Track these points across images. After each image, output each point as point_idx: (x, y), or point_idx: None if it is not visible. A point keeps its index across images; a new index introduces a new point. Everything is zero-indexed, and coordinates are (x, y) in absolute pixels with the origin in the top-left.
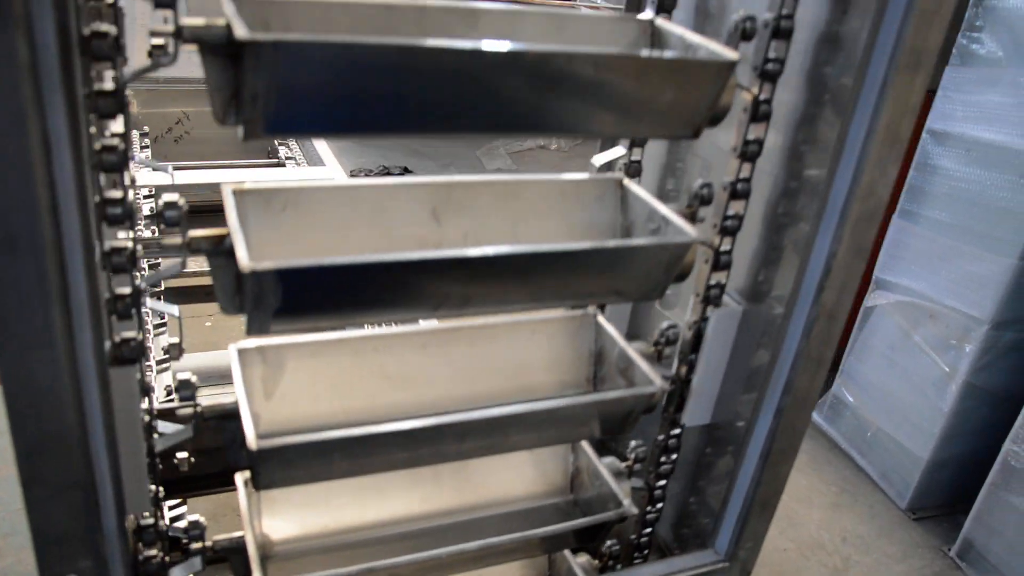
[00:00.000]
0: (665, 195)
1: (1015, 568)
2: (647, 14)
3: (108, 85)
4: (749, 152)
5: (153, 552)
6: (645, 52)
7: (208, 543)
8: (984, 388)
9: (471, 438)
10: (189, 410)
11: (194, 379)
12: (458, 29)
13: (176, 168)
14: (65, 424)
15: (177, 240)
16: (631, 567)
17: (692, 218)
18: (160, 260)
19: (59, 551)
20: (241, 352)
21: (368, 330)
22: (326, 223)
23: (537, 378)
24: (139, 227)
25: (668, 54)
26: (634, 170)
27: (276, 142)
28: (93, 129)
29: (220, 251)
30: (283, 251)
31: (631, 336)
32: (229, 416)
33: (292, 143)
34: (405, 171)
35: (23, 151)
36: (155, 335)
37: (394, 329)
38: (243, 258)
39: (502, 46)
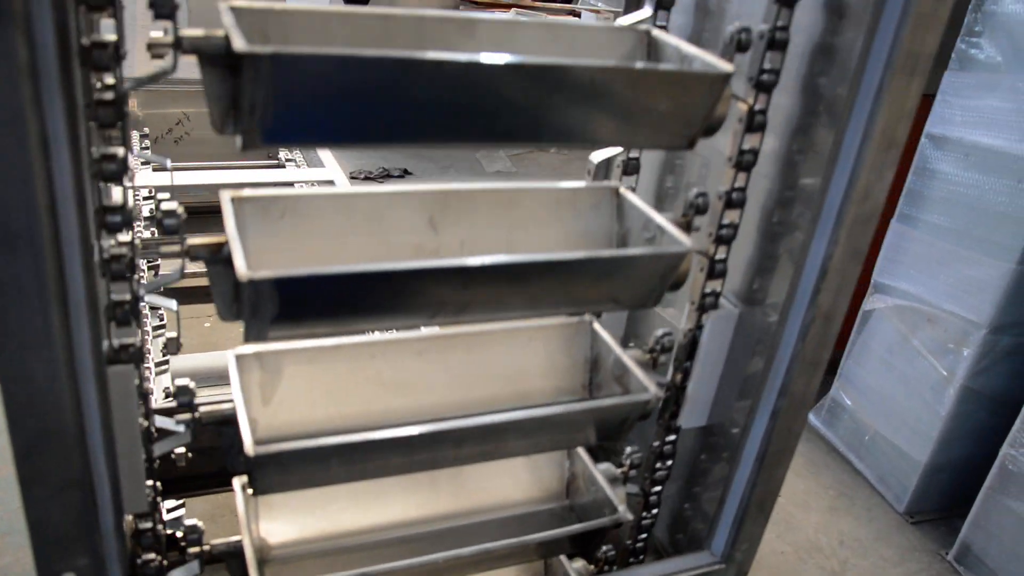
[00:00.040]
0: (664, 192)
1: (1012, 572)
2: (646, 11)
3: (108, 95)
4: (744, 162)
5: (151, 556)
6: (640, 64)
7: (206, 547)
8: (982, 392)
9: (467, 444)
10: (187, 415)
11: (192, 385)
12: (455, 39)
13: (176, 169)
14: (63, 423)
15: (176, 247)
16: (627, 568)
17: (687, 227)
18: (159, 261)
19: (57, 549)
20: (239, 358)
21: (365, 336)
22: (324, 230)
23: (533, 384)
24: (138, 229)
25: (663, 66)
26: (632, 167)
27: None
28: (94, 141)
29: (218, 259)
30: (281, 258)
31: (628, 337)
32: (227, 422)
33: None
34: (405, 173)
35: (22, 150)
36: (153, 336)
37: (391, 335)
38: (241, 267)
39: (499, 59)
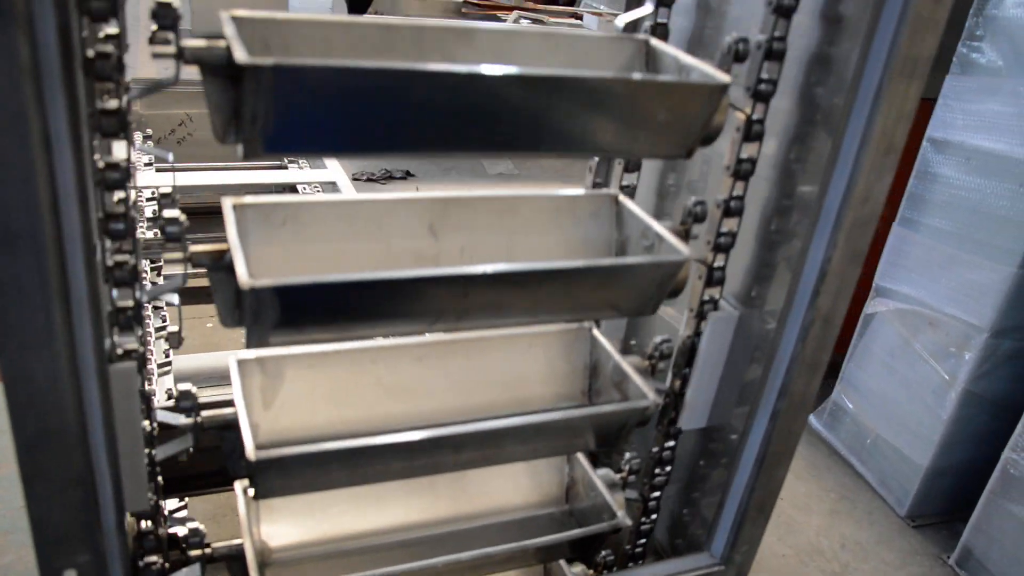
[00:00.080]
0: (666, 190)
1: None
2: (647, 8)
3: (111, 104)
4: (742, 171)
5: (154, 559)
6: (639, 75)
7: (208, 550)
8: (983, 396)
9: (467, 450)
10: (189, 420)
11: (194, 390)
12: (455, 48)
13: (179, 170)
14: (65, 421)
15: (178, 254)
16: (627, 570)
17: (686, 235)
18: (161, 262)
19: (59, 546)
20: (241, 362)
21: (366, 342)
22: (325, 237)
23: (533, 390)
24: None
25: (662, 77)
26: (633, 164)
27: None
28: (97, 150)
29: (220, 266)
30: (283, 264)
31: (629, 338)
32: (229, 426)
33: None
34: (407, 175)
35: (24, 149)
36: (156, 338)
37: (391, 341)
38: (242, 275)
39: (498, 70)
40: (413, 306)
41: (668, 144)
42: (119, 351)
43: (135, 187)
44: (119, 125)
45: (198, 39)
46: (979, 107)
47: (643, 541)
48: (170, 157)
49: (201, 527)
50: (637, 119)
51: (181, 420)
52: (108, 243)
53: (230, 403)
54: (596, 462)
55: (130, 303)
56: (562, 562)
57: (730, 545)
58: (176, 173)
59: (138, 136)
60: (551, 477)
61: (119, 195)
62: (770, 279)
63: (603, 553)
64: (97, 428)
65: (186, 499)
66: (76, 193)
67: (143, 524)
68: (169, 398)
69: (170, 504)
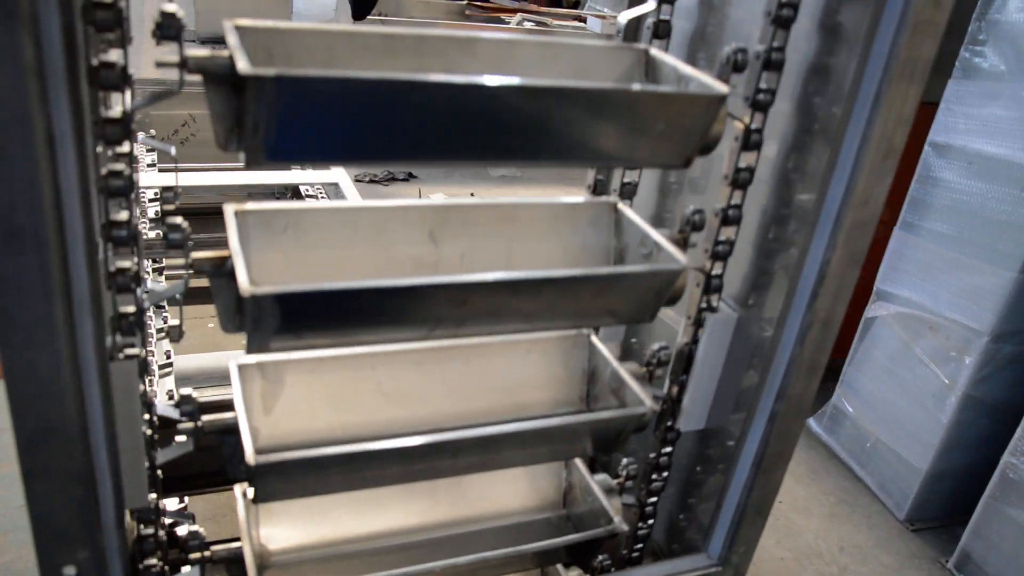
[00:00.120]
0: (667, 187)
1: None
2: (651, 4)
3: (115, 113)
4: (740, 180)
5: (153, 561)
6: (638, 86)
7: (207, 553)
8: (983, 400)
9: (465, 455)
10: (190, 424)
11: (195, 395)
12: (456, 57)
13: (182, 170)
14: (66, 417)
15: (180, 260)
16: (624, 570)
17: (684, 243)
18: (163, 263)
19: (59, 543)
20: (241, 367)
21: (365, 347)
22: (326, 243)
23: (531, 396)
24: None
25: (661, 88)
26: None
27: None
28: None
29: (222, 273)
30: (284, 270)
31: (629, 339)
32: (229, 431)
33: None
34: (410, 176)
35: (28, 148)
36: (157, 340)
37: (391, 347)
38: (243, 282)
39: (499, 81)
40: (412, 314)
41: (667, 153)
42: (121, 357)
43: (138, 191)
44: (123, 133)
45: (201, 49)
46: (981, 111)
47: (640, 546)
48: (172, 151)
49: (201, 530)
50: (636, 129)
51: (179, 415)
52: (111, 249)
53: (231, 404)
54: (594, 467)
55: (132, 308)
56: (559, 566)
57: (728, 546)
58: (179, 173)
59: (141, 135)
60: (549, 482)
61: (122, 202)
62: (770, 276)
63: (600, 558)
64: (98, 425)
65: (187, 500)
66: (79, 191)
67: (143, 526)
68: (170, 399)
69: (170, 506)
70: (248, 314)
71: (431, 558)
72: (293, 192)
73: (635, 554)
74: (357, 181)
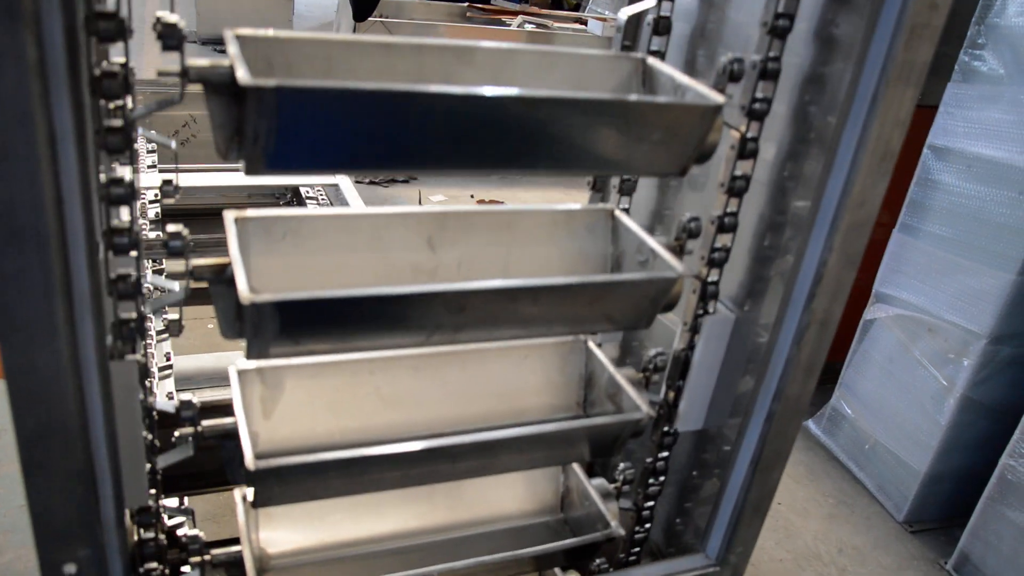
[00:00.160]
0: (666, 184)
1: None
2: (650, 0)
3: (116, 121)
4: (736, 187)
5: (153, 565)
6: (635, 96)
7: (207, 556)
8: (982, 402)
9: (463, 460)
10: (190, 429)
11: (195, 400)
12: (454, 67)
13: (182, 171)
14: (66, 415)
15: (181, 267)
16: (622, 569)
17: (680, 251)
18: (164, 265)
19: (59, 540)
20: (240, 372)
21: (364, 353)
22: (326, 250)
23: (528, 401)
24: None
25: (658, 98)
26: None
27: None
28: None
29: (221, 280)
30: (284, 276)
31: (629, 343)
32: (229, 435)
33: None
34: (410, 177)
35: (29, 146)
36: (157, 341)
37: (389, 352)
38: (243, 290)
39: (497, 91)
40: (410, 320)
41: (663, 162)
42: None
43: (139, 196)
44: (125, 142)
45: (202, 58)
46: (980, 115)
47: (637, 549)
48: (172, 144)
49: (201, 533)
50: (633, 138)
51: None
52: (111, 256)
53: (230, 405)
54: (591, 471)
55: (133, 315)
56: (556, 570)
57: (725, 546)
58: (179, 174)
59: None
60: (546, 486)
61: (124, 210)
62: (767, 277)
63: (597, 562)
64: (98, 423)
65: (187, 502)
66: (80, 191)
67: (143, 528)
68: (170, 399)
69: (170, 507)
70: (248, 321)
71: (430, 562)
72: (293, 193)
73: (632, 557)
74: (357, 183)
